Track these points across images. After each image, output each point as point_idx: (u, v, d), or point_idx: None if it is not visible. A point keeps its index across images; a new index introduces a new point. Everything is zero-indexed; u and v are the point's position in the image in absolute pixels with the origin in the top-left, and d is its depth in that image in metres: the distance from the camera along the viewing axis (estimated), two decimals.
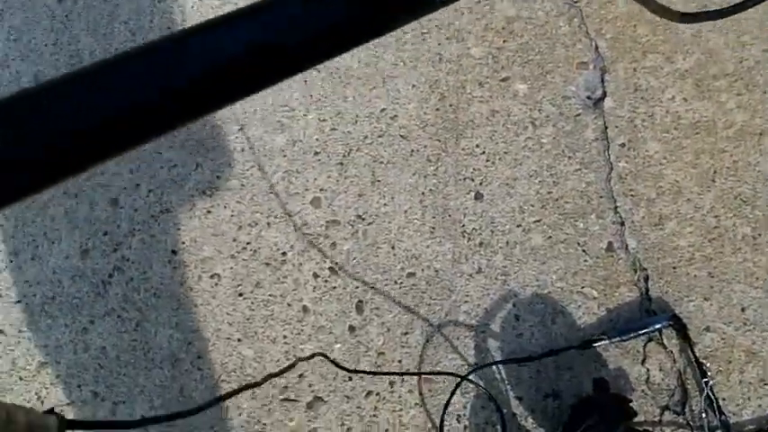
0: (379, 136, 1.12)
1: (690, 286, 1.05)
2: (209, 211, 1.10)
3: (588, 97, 1.13)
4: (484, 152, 1.11)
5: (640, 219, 1.08)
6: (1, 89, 1.17)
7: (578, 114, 1.12)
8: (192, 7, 1.20)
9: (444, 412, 0.97)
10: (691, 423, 1.00)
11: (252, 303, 1.07)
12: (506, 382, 1.02)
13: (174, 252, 1.09)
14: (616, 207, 1.08)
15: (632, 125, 1.11)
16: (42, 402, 1.04)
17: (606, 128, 1.11)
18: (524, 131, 1.12)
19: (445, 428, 0.99)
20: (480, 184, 1.10)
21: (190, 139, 1.12)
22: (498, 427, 0.99)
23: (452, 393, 0.98)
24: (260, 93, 0.31)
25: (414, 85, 1.15)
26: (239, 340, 1.06)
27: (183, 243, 1.10)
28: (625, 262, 1.06)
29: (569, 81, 1.13)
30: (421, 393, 1.02)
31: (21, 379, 1.06)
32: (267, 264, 1.08)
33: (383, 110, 1.14)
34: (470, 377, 1.00)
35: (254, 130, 1.13)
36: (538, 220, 1.08)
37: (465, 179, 1.10)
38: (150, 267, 1.09)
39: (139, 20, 1.19)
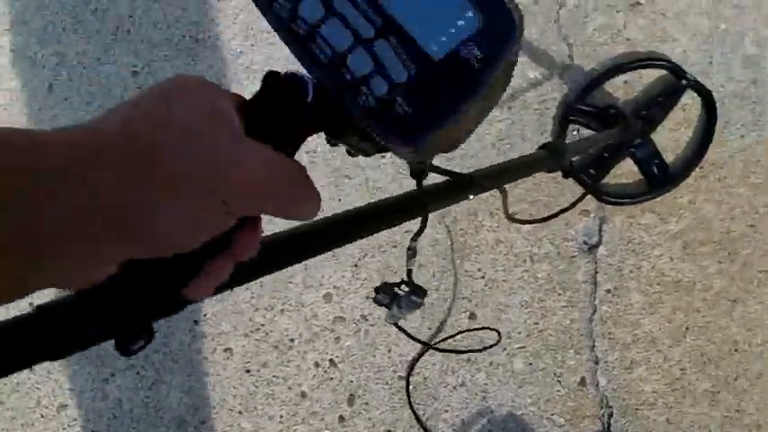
0: (393, 246, 1.35)
1: (648, 429, 1.25)
2: (231, 291, 1.33)
3: (585, 242, 1.35)
4: (484, 276, 1.33)
5: (613, 360, 1.29)
6: None
7: (573, 256, 1.34)
8: None
9: None
10: None
11: (257, 380, 1.28)
12: None
13: (195, 322, 1.31)
14: (594, 346, 1.30)
15: (620, 274, 1.33)
16: None
17: (596, 273, 1.33)
18: (523, 264, 1.34)
19: None
20: (476, 305, 1.32)
21: None
22: None
23: None
24: None
25: None
26: (240, 413, 1.27)
27: (205, 315, 1.32)
28: (594, 397, 1.27)
29: (570, 225, 1.35)
30: None
31: (42, 416, 1.27)
32: (276, 347, 1.30)
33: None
34: None
35: (281, 224, 1.36)
36: (522, 347, 1.30)
37: (463, 298, 1.32)
38: (173, 333, 1.31)
39: None
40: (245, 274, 0.43)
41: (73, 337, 0.35)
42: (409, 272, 0.92)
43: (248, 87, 1.44)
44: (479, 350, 1.26)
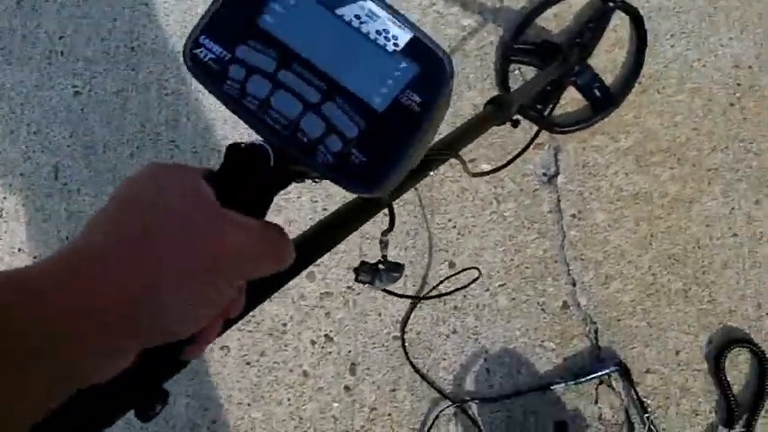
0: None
1: (632, 335, 1.35)
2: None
3: (544, 174, 1.41)
4: (455, 226, 1.39)
5: (589, 279, 1.37)
6: (23, 180, 1.39)
7: (536, 190, 1.40)
8: (197, 99, 1.44)
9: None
10: None
11: (258, 371, 1.33)
12: (482, 426, 1.30)
13: None
14: (569, 270, 1.37)
15: (582, 198, 1.40)
16: None
17: (559, 201, 1.39)
18: (489, 206, 1.40)
19: None
20: (453, 254, 1.38)
21: None
22: None
23: (435, 417, 1.26)
24: None
25: None
26: (249, 404, 1.31)
27: None
28: (578, 318, 1.35)
29: (527, 160, 1.41)
30: None
31: None
32: (270, 334, 1.34)
33: None
34: (454, 409, 1.28)
35: None
36: (503, 284, 1.37)
37: (440, 250, 1.38)
38: None
39: (148, 112, 1.43)
40: (233, 319, 0.46)
41: (100, 419, 0.38)
42: (384, 257, 0.96)
43: (192, 85, 1.44)
44: (464, 287, 1.31)
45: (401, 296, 1.27)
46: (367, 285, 1.30)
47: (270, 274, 0.39)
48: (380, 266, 0.96)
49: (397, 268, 0.96)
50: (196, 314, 0.35)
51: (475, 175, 1.06)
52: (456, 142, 0.89)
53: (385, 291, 1.04)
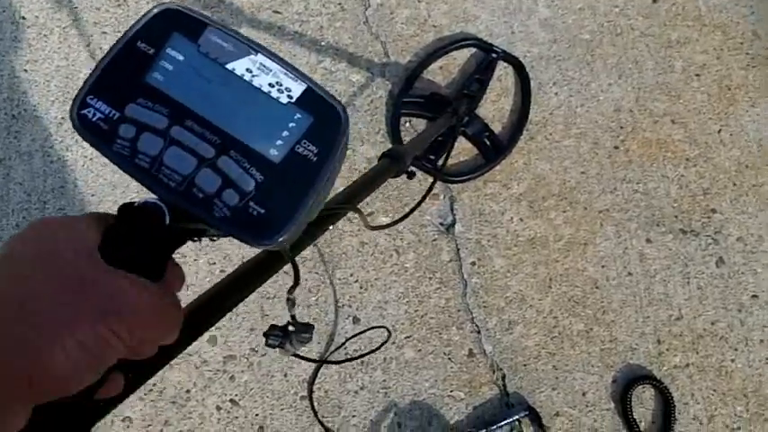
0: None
1: (539, 379, 1.41)
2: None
3: (441, 224, 1.49)
4: (357, 280, 1.45)
5: (493, 326, 1.44)
6: None
7: (434, 240, 1.48)
8: (83, 165, 1.48)
9: None
10: None
11: None
12: None
13: None
14: (473, 318, 1.44)
15: (480, 245, 1.48)
16: None
17: (458, 249, 1.47)
18: (390, 259, 1.47)
19: None
20: (357, 309, 1.43)
21: None
22: None
23: None
24: None
25: None
26: None
27: None
28: (485, 365, 1.42)
29: (424, 211, 1.49)
30: None
31: None
32: (173, 402, 1.36)
33: None
34: None
35: None
36: (408, 336, 1.42)
37: (343, 306, 1.43)
38: None
39: (33, 181, 1.46)
40: (140, 377, 0.47)
41: None
42: (293, 317, 1.01)
43: (78, 151, 1.48)
44: (374, 351, 1.36)
45: (306, 359, 1.31)
46: (272, 349, 1.34)
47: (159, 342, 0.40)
48: (290, 328, 1.01)
49: (306, 329, 1.00)
50: (83, 368, 0.35)
51: (374, 228, 1.11)
52: (353, 196, 0.93)
53: (294, 355, 1.08)
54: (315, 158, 0.40)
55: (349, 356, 1.39)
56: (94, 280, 0.36)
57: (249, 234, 0.40)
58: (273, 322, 1.22)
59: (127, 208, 0.40)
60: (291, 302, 0.94)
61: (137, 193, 1.47)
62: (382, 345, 1.33)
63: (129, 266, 0.38)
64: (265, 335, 0.98)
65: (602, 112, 1.56)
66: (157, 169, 0.40)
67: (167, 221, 0.40)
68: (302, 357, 1.15)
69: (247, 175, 0.40)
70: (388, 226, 1.21)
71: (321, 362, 1.39)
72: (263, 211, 0.40)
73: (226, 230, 0.41)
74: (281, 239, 0.40)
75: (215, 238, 0.49)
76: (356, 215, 1.30)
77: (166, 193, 0.40)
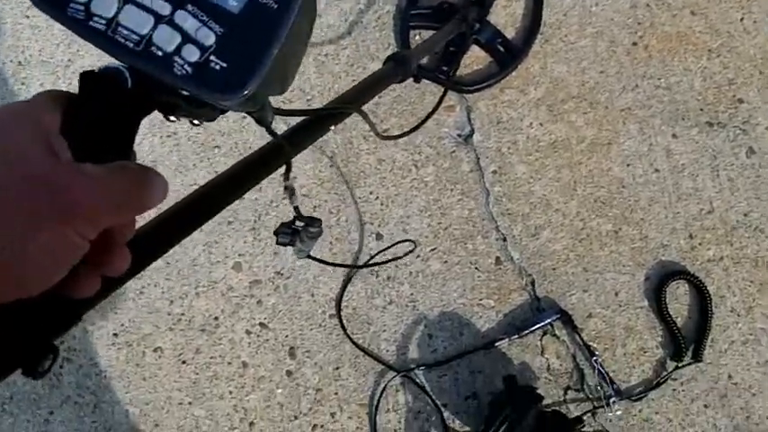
0: (284, 198, 1.44)
1: (569, 282, 1.41)
2: (141, 292, 1.39)
3: (459, 135, 1.48)
4: (377, 197, 1.45)
5: (519, 233, 1.43)
6: None
7: (453, 151, 1.47)
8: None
9: (377, 407, 1.29)
10: (590, 396, 1.35)
11: (195, 368, 1.36)
12: (430, 392, 1.34)
13: (115, 335, 1.37)
14: (497, 226, 1.43)
15: (500, 153, 1.47)
16: None
17: (478, 159, 1.46)
18: (409, 174, 1.46)
19: None
20: (379, 225, 1.43)
21: None
22: (433, 430, 1.32)
23: (383, 390, 1.30)
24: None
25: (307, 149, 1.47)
26: (190, 403, 1.34)
27: (123, 325, 1.38)
28: (512, 272, 1.41)
29: (441, 124, 1.48)
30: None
31: None
32: (203, 330, 1.38)
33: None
34: (400, 379, 1.32)
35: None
36: (433, 249, 1.42)
37: (365, 224, 1.43)
38: (96, 353, 1.36)
39: None
40: (120, 278, 0.46)
41: None
42: (296, 208, 1.01)
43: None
44: (401, 257, 1.36)
45: (333, 264, 1.32)
46: (297, 270, 1.35)
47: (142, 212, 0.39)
48: (297, 223, 1.01)
49: (314, 222, 1.00)
50: (48, 267, 0.35)
51: (384, 137, 1.11)
52: (356, 97, 0.93)
53: (313, 259, 1.09)
54: (276, 6, 0.39)
55: (374, 272, 1.40)
56: (53, 178, 0.34)
57: (213, 90, 0.39)
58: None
59: (87, 75, 0.39)
60: (290, 191, 0.94)
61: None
62: (408, 252, 1.34)
63: (93, 147, 0.37)
64: (275, 233, 0.99)
65: (618, 8, 1.52)
66: (114, 31, 0.39)
67: (129, 85, 0.40)
68: (327, 262, 1.16)
69: (206, 28, 0.39)
70: (399, 136, 1.19)
71: (348, 266, 1.39)
72: (225, 64, 0.39)
73: (189, 88, 0.40)
74: (246, 92, 0.39)
75: (197, 122, 0.48)
76: (371, 133, 1.29)
77: (125, 55, 0.39)
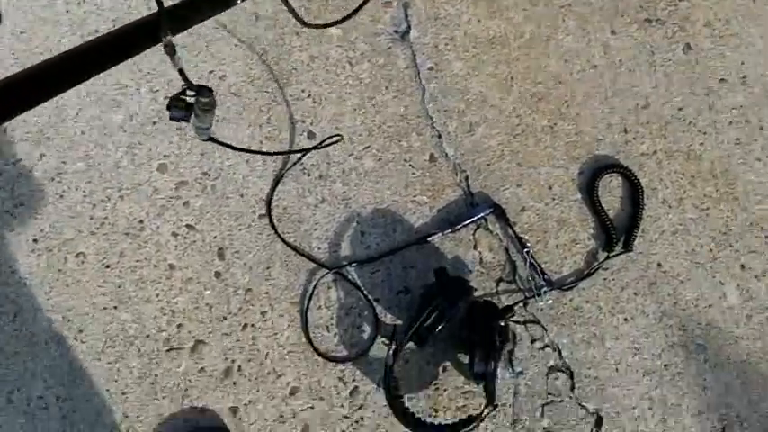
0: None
1: (504, 177, 1.39)
2: (61, 196, 1.33)
3: (395, 31, 1.43)
4: (310, 95, 1.40)
5: (454, 129, 1.40)
6: None
7: (389, 48, 1.42)
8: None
9: (308, 304, 1.28)
10: (522, 287, 1.35)
11: (120, 272, 1.31)
12: (362, 288, 1.32)
13: (35, 241, 1.31)
14: (432, 123, 1.40)
15: (437, 50, 1.43)
16: None
17: (415, 56, 1.42)
18: (343, 71, 1.41)
19: (318, 339, 1.29)
20: (311, 124, 1.39)
21: (29, 132, 1.34)
22: (365, 325, 1.30)
23: (314, 287, 1.29)
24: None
25: (236, 45, 1.41)
26: (115, 308, 1.30)
27: (43, 231, 1.32)
28: (447, 168, 1.39)
29: (377, 20, 1.43)
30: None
31: None
32: (127, 234, 1.33)
33: (211, 72, 1.40)
34: (332, 276, 1.30)
35: (90, 112, 1.36)
36: (367, 147, 1.39)
37: (297, 122, 1.39)
38: (15, 260, 1.30)
39: None
40: None
41: None
42: (180, 71, 0.95)
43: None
44: (324, 145, 1.33)
45: (240, 150, 1.27)
46: (225, 171, 1.30)
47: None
48: (188, 93, 0.96)
49: (203, 91, 0.95)
50: None
51: (308, 25, 1.05)
52: None
53: (216, 141, 1.03)
54: None
55: (306, 170, 1.36)
56: None
57: None
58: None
59: None
60: (170, 48, 0.88)
61: (67, 29, 1.40)
62: (333, 142, 1.30)
63: None
64: (168, 107, 0.94)
65: None
66: None
67: None
68: (234, 147, 1.11)
69: None
70: (327, 25, 1.13)
71: (266, 153, 1.35)
72: None
73: None
74: None
75: None
76: (304, 28, 1.22)
77: None
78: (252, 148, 1.35)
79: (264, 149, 1.36)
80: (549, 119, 1.42)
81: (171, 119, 0.99)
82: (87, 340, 1.29)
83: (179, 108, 1.00)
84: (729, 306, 1.38)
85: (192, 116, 1.01)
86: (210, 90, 0.95)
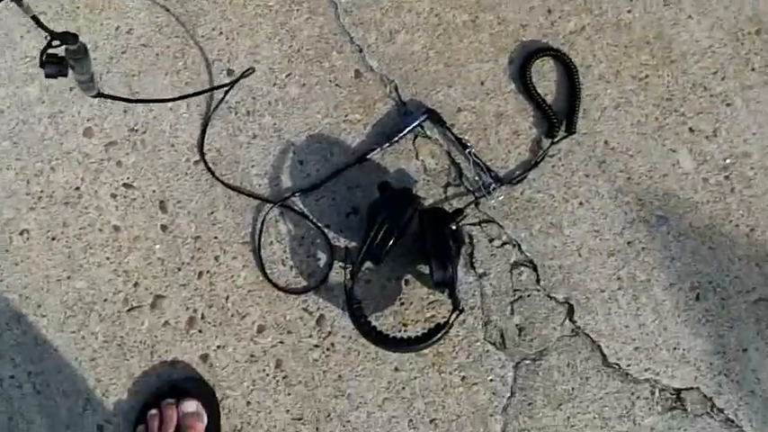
0: (123, 52, 1.36)
1: (433, 81, 1.37)
2: None
3: None
4: (221, 32, 1.37)
5: (374, 41, 1.38)
6: None
7: None
8: None
9: (259, 241, 1.28)
10: (470, 188, 1.34)
11: (67, 242, 1.31)
12: (311, 216, 1.32)
13: None
14: (351, 38, 1.38)
15: None
16: None
17: None
18: (251, 1, 1.38)
19: (273, 271, 1.30)
20: (228, 61, 1.36)
21: None
22: (319, 252, 1.30)
23: (262, 222, 1.29)
24: None
25: None
26: (69, 277, 1.30)
27: None
28: (374, 81, 1.37)
29: None
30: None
31: None
32: (66, 203, 1.32)
33: (117, 27, 1.37)
34: (278, 209, 1.29)
35: (5, 90, 1.34)
36: (289, 74, 1.36)
37: (214, 62, 1.36)
38: None
39: None
40: None
41: None
42: (35, 18, 0.92)
43: None
44: (238, 79, 1.31)
45: (159, 101, 1.25)
46: (152, 125, 1.28)
47: None
48: (53, 44, 0.93)
49: (68, 38, 0.93)
50: None
51: None
52: None
53: (104, 96, 1.02)
54: None
55: (232, 109, 1.34)
56: None
57: None
58: (146, 97, 1.15)
59: None
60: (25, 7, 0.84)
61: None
62: (246, 75, 1.28)
63: None
64: (41, 66, 0.91)
65: None
66: None
67: None
68: (112, 97, 1.09)
69: None
70: None
71: (181, 98, 1.34)
72: None
73: None
74: None
75: None
76: None
77: None
78: (153, 98, 1.33)
79: (189, 90, 1.34)
80: (469, 13, 1.39)
81: (46, 77, 0.97)
82: (47, 314, 1.29)
83: (52, 63, 0.98)
84: (684, 172, 1.36)
85: (69, 70, 0.99)
86: (75, 35, 0.92)
